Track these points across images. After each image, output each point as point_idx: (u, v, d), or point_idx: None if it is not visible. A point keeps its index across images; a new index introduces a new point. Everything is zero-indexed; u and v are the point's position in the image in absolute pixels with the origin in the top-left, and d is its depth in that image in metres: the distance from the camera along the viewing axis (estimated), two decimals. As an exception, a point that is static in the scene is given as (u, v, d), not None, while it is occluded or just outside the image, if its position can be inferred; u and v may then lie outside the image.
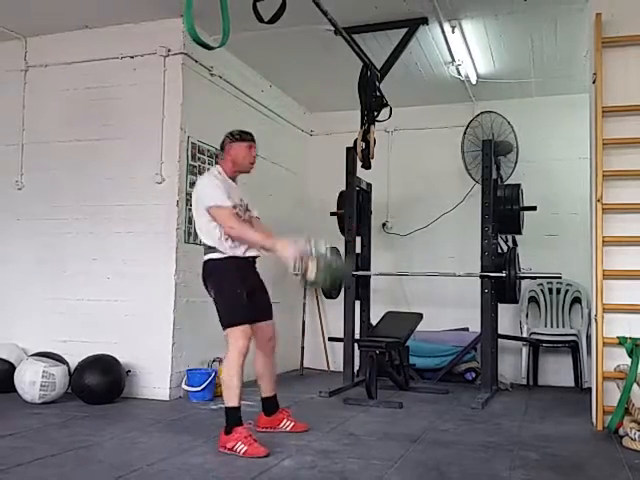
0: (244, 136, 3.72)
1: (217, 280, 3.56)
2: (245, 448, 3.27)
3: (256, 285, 3.71)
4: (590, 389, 4.53)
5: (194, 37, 2.90)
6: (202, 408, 4.59)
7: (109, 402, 4.62)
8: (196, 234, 5.15)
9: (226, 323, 3.49)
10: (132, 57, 5.14)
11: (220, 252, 3.54)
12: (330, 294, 5.86)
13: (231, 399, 3.41)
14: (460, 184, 6.37)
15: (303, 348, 6.84)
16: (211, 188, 3.56)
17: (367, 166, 5.27)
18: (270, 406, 3.86)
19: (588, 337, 5.69)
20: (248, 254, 3.60)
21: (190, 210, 5.07)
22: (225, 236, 3.51)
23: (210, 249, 3.57)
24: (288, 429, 3.83)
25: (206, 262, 3.61)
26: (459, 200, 6.47)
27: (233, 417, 3.39)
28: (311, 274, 3.23)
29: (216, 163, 3.86)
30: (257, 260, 3.71)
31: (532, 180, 6.06)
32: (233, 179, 3.75)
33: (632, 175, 4.20)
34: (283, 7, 3.42)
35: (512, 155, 5.98)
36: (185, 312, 5.01)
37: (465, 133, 6.11)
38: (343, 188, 5.82)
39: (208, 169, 3.99)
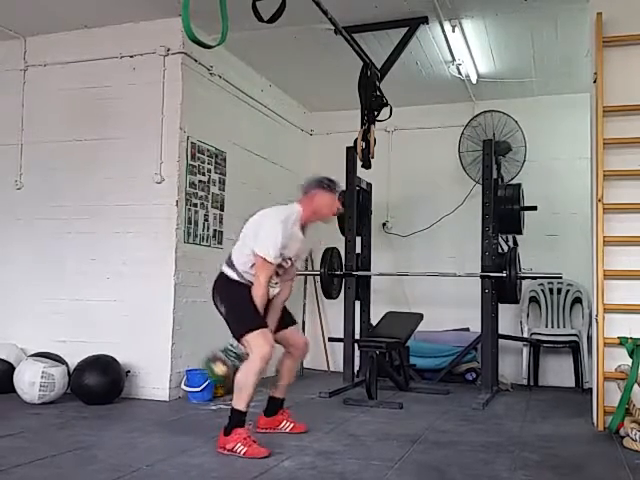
0: (333, 187, 3.59)
1: (231, 291, 3.51)
2: (245, 449, 3.26)
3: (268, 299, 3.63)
4: (591, 389, 4.52)
5: (191, 36, 2.89)
6: (201, 409, 4.58)
7: (108, 402, 4.61)
8: (195, 234, 5.18)
9: (246, 329, 3.36)
10: (131, 57, 5.13)
11: (240, 277, 3.51)
12: (330, 294, 5.85)
13: (241, 402, 3.36)
14: (460, 184, 6.36)
15: (303, 348, 6.82)
16: (273, 235, 3.39)
17: (367, 166, 5.27)
18: (274, 407, 3.84)
19: (589, 337, 5.68)
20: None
21: (190, 210, 5.09)
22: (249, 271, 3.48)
23: (234, 268, 3.52)
24: (287, 430, 3.81)
25: (222, 273, 3.57)
26: (460, 199, 6.46)
27: (237, 420, 3.36)
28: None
29: (297, 202, 3.62)
30: None
31: (533, 180, 6.05)
32: (303, 227, 3.61)
33: (633, 175, 4.20)
34: (283, 6, 3.41)
35: (518, 155, 5.95)
36: (185, 312, 5.00)
37: (463, 133, 6.10)
38: (343, 188, 5.81)
39: (287, 203, 3.66)
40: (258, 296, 3.40)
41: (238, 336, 3.39)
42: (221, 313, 3.54)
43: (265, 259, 3.38)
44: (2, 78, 5.47)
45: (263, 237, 3.42)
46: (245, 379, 3.33)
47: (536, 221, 5.99)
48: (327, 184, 3.58)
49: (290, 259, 3.59)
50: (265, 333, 3.38)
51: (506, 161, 6.02)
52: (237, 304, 3.46)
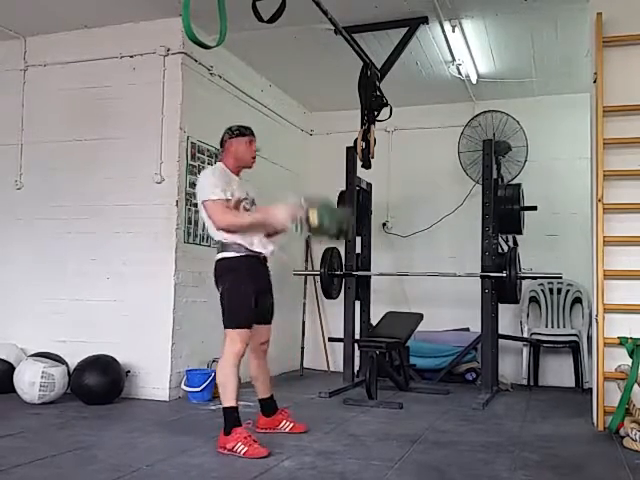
0: (243, 131, 3.71)
1: (227, 280, 3.52)
2: (245, 449, 3.26)
3: (264, 287, 3.68)
4: (591, 389, 4.52)
5: (191, 36, 2.89)
6: (201, 409, 4.58)
7: (108, 402, 4.60)
8: (195, 234, 5.18)
9: (228, 324, 3.49)
10: (131, 57, 5.13)
11: (231, 250, 3.51)
12: (330, 294, 5.84)
13: (227, 399, 3.40)
14: (460, 184, 6.36)
15: (303, 348, 6.83)
16: (206, 182, 3.55)
17: (367, 166, 5.26)
18: (268, 407, 3.85)
19: (589, 337, 5.68)
20: (256, 249, 3.56)
21: (190, 210, 5.09)
22: (232, 234, 3.50)
23: (222, 247, 3.54)
24: (287, 430, 3.81)
25: (218, 261, 3.58)
26: (460, 199, 6.46)
27: (230, 417, 3.38)
28: (314, 220, 3.30)
29: (218, 161, 3.84)
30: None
31: (533, 180, 6.05)
32: (236, 175, 3.71)
33: (633, 175, 4.19)
34: (283, 6, 3.42)
35: (519, 155, 5.95)
36: (185, 312, 5.00)
37: (462, 133, 6.10)
38: (343, 188, 5.82)
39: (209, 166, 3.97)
40: (231, 223, 3.46)
41: (224, 326, 3.51)
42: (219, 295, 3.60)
43: (211, 199, 3.46)
44: (2, 78, 5.47)
45: (199, 188, 3.58)
46: (223, 375, 3.45)
47: (536, 221, 5.99)
48: (236, 129, 3.70)
49: (247, 200, 3.62)
50: (242, 333, 3.46)
51: (507, 161, 6.02)
52: (230, 295, 3.51)
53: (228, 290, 3.51)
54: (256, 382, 3.83)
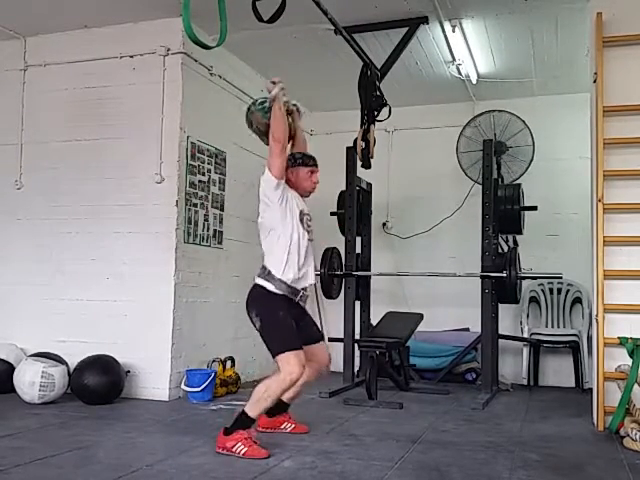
0: (306, 161, 3.65)
1: (263, 308, 3.45)
2: (245, 449, 3.25)
3: (299, 313, 3.58)
4: (591, 389, 4.52)
5: (191, 36, 2.89)
6: (201, 409, 4.58)
7: (108, 402, 4.60)
8: (195, 234, 5.18)
9: (278, 348, 3.36)
10: (131, 57, 5.13)
11: (274, 282, 3.43)
12: (330, 294, 5.83)
13: (254, 410, 3.34)
14: (460, 184, 6.35)
15: (303, 348, 6.81)
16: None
17: (367, 166, 5.26)
18: (278, 409, 3.79)
19: (589, 337, 5.69)
20: (302, 284, 3.52)
21: (190, 210, 5.09)
22: (287, 264, 3.43)
23: (265, 274, 3.46)
24: (288, 431, 3.81)
25: (255, 287, 3.50)
26: (460, 200, 6.45)
27: (244, 423, 3.34)
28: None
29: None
30: None
31: (533, 180, 6.05)
32: None
33: (633, 175, 4.19)
34: (283, 6, 3.42)
35: (522, 154, 5.93)
36: (185, 312, 5.00)
37: (461, 133, 6.09)
38: (343, 188, 5.82)
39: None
40: (275, 120, 3.41)
41: (273, 354, 3.39)
42: (255, 326, 3.48)
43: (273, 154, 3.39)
44: (2, 78, 5.47)
45: (262, 182, 3.47)
46: (267, 393, 3.33)
47: (536, 221, 5.99)
48: (299, 158, 3.65)
49: (309, 216, 3.59)
50: (298, 355, 3.35)
51: (510, 161, 6.00)
52: (272, 322, 3.43)
53: (269, 316, 3.42)
54: (294, 387, 3.62)
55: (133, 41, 5.12)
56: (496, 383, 5.57)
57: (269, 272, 3.46)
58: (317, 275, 5.88)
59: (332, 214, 6.03)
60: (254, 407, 3.35)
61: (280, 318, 3.42)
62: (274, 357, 3.39)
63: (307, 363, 3.46)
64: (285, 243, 3.46)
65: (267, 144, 3.52)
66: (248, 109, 3.61)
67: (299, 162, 3.63)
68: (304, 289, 3.56)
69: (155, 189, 4.98)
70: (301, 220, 3.52)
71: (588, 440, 3.90)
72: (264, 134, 3.55)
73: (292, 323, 3.45)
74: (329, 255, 5.82)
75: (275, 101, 3.43)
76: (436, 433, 3.94)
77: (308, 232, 3.57)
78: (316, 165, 3.70)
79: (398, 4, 4.77)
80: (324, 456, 3.31)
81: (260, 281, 3.48)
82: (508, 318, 6.25)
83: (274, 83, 3.44)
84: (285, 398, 3.73)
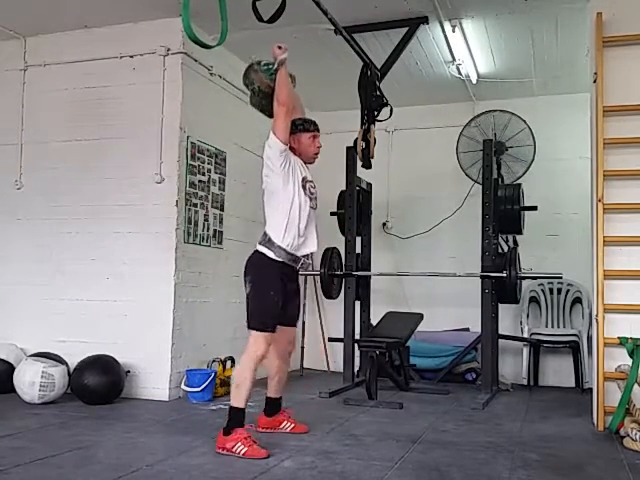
0: (307, 126, 3.67)
1: (258, 276, 3.48)
2: (245, 449, 3.25)
3: (292, 290, 3.63)
4: (591, 389, 4.52)
5: (191, 36, 2.89)
6: (201, 409, 4.58)
7: (108, 402, 4.60)
8: (195, 234, 5.18)
9: (254, 325, 3.45)
10: (131, 57, 5.13)
11: (273, 249, 3.45)
12: (330, 294, 5.83)
13: (238, 400, 3.38)
14: (460, 184, 6.35)
15: (303, 348, 6.82)
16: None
17: (367, 166, 5.26)
18: (273, 407, 3.84)
19: (589, 337, 5.68)
20: (303, 251, 3.53)
21: (190, 210, 5.09)
22: (287, 229, 3.44)
23: (265, 241, 3.48)
24: (288, 430, 3.81)
25: (254, 252, 3.52)
26: (460, 199, 6.45)
27: (236, 417, 3.37)
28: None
29: None
30: None
31: (533, 180, 6.05)
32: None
33: (633, 175, 4.19)
34: (283, 6, 3.42)
35: (522, 154, 5.93)
36: (185, 312, 5.00)
37: (461, 133, 6.09)
38: (343, 188, 5.82)
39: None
40: (281, 83, 3.43)
41: (249, 326, 3.46)
42: (245, 290, 3.53)
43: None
44: (2, 78, 5.47)
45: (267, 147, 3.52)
46: (241, 376, 3.40)
47: (536, 221, 5.99)
48: (300, 124, 3.67)
49: (313, 183, 3.62)
50: (269, 337, 3.43)
51: (511, 161, 6.00)
52: (261, 295, 3.46)
53: (258, 288, 3.46)
54: (271, 381, 3.81)
55: (133, 41, 5.12)
56: (496, 383, 5.57)
57: (269, 239, 3.47)
58: (317, 275, 5.93)
59: (332, 214, 6.03)
60: (237, 395, 3.39)
61: (270, 296, 3.44)
62: (248, 329, 3.46)
63: (276, 345, 3.58)
64: (286, 208, 3.47)
65: (256, 105, 3.59)
66: (250, 66, 3.58)
67: (300, 128, 3.65)
68: (305, 257, 3.57)
69: (155, 189, 4.98)
70: (304, 187, 3.54)
71: (588, 440, 3.90)
72: (260, 94, 3.55)
73: (279, 302, 3.46)
74: (329, 255, 5.82)
75: (282, 65, 3.43)
76: (436, 433, 3.94)
77: (311, 199, 3.58)
78: (317, 129, 3.72)
79: (398, 4, 4.77)
80: (324, 456, 3.31)
81: (260, 248, 3.50)
82: (508, 318, 6.25)
83: (280, 48, 3.43)
84: (272, 393, 3.79)
